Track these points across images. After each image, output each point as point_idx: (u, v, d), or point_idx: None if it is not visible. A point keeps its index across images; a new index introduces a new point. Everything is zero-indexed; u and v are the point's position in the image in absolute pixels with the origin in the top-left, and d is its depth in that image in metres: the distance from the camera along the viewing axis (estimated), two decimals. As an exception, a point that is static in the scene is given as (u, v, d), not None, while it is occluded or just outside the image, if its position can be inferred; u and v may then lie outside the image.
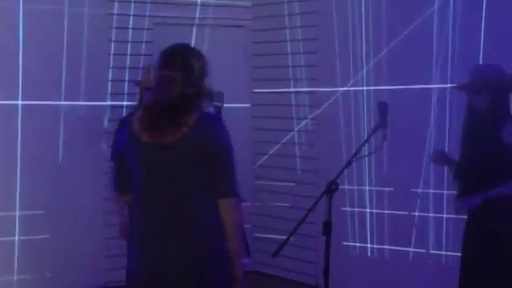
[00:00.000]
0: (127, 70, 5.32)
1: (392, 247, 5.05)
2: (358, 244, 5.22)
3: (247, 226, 4.32)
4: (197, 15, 5.55)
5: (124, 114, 4.86)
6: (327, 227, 3.26)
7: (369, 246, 5.18)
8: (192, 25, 5.54)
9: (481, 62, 4.36)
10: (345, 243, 5.23)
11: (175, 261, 2.77)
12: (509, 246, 3.71)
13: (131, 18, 5.34)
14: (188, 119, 2.77)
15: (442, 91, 4.69)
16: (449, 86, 4.27)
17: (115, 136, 4.56)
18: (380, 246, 5.12)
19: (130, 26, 5.33)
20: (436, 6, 4.74)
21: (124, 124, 4.57)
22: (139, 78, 4.86)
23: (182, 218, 2.79)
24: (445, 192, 4.67)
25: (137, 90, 4.76)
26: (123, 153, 2.92)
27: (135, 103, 4.55)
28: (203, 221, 2.80)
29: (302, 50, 5.54)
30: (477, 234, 3.80)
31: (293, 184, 5.61)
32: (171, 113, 2.77)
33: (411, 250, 4.93)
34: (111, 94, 5.30)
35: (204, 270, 2.78)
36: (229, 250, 2.84)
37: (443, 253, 4.76)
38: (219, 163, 2.80)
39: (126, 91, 5.25)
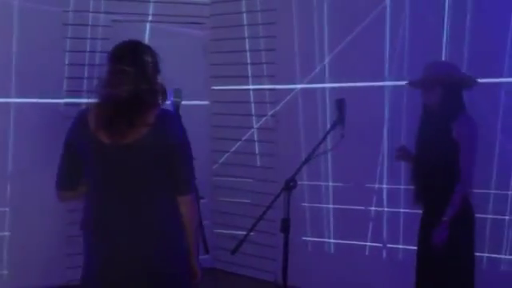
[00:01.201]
0: (84, 67, 5.26)
1: (349, 242, 5.10)
2: (316, 239, 5.26)
3: (206, 222, 4.31)
4: (155, 12, 5.52)
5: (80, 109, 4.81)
6: (285, 224, 3.28)
7: (326, 240, 5.23)
8: (150, 21, 5.51)
9: (437, 59, 4.42)
10: (303, 238, 5.26)
11: (134, 255, 2.77)
12: (458, 240, 3.78)
13: (89, 15, 5.29)
14: (145, 118, 2.75)
15: (397, 88, 4.75)
16: (403, 83, 4.32)
17: None
18: (337, 241, 5.17)
19: (89, 23, 5.27)
20: (388, 1, 4.81)
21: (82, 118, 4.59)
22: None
23: (141, 216, 2.79)
24: (401, 187, 4.74)
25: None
26: (74, 148, 2.85)
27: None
28: (163, 217, 2.81)
29: (260, 47, 5.55)
30: (429, 232, 3.85)
31: (252, 181, 5.62)
32: (126, 111, 2.74)
33: (368, 244, 4.99)
34: (67, 91, 5.24)
35: (162, 264, 2.79)
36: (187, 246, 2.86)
37: (400, 246, 4.83)
38: (177, 161, 2.81)
39: (83, 88, 5.19)
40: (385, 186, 4.90)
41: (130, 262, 2.77)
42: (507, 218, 4.40)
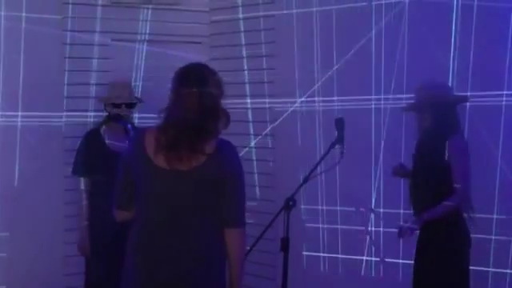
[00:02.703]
0: (85, 87, 5.26)
1: (350, 259, 5.09)
2: (314, 256, 5.25)
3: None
4: (154, 31, 5.54)
5: (88, 129, 4.80)
6: (285, 243, 3.28)
7: (326, 258, 5.22)
8: (149, 41, 5.52)
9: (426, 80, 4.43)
10: (304, 258, 5.25)
11: (173, 282, 2.75)
12: (449, 260, 3.79)
13: (86, 34, 5.30)
14: (205, 146, 2.72)
15: (396, 107, 4.76)
16: (397, 99, 4.36)
17: (81, 150, 4.56)
18: (337, 259, 5.16)
19: (86, 42, 5.29)
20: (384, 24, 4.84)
21: (92, 138, 4.61)
22: (105, 95, 4.85)
23: (188, 244, 2.76)
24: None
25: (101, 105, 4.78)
26: (129, 170, 2.82)
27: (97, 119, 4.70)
28: (210, 247, 2.78)
29: (259, 67, 5.57)
30: (423, 252, 3.88)
31: (250, 200, 5.61)
32: (189, 137, 2.70)
33: (364, 258, 4.98)
34: (66, 110, 5.24)
35: None
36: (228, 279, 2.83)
37: (400, 261, 4.81)
38: (232, 193, 2.78)
39: (85, 107, 5.18)
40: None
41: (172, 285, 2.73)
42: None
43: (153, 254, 2.77)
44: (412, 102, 3.98)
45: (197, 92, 2.74)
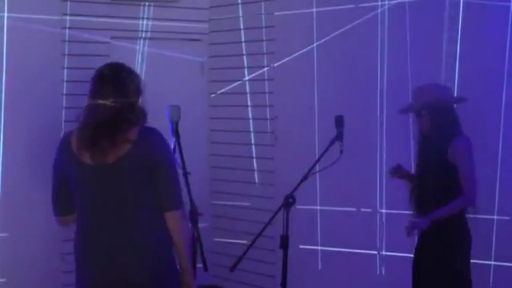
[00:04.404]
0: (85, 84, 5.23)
1: (350, 257, 5.09)
2: (315, 252, 5.25)
3: (204, 239, 4.28)
4: (153, 29, 5.54)
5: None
6: (284, 241, 3.28)
7: (327, 256, 5.22)
8: (148, 38, 5.52)
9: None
10: (300, 247, 5.24)
11: (122, 277, 2.75)
12: (453, 261, 3.78)
13: (86, 32, 5.30)
14: (127, 135, 2.75)
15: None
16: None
17: None
18: (337, 257, 5.16)
19: (84, 40, 5.28)
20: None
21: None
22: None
23: (127, 237, 2.77)
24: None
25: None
26: (62, 173, 2.87)
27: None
28: (150, 236, 2.78)
29: (259, 64, 5.57)
30: (425, 249, 3.87)
31: (250, 197, 5.61)
32: (107, 129, 2.75)
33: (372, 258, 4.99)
34: (66, 107, 5.23)
35: (154, 281, 2.76)
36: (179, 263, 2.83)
37: (398, 254, 4.81)
38: (162, 176, 2.79)
39: (81, 105, 5.17)
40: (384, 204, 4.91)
41: (119, 285, 2.74)
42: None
43: (92, 253, 2.79)
44: (410, 103, 3.96)
45: (111, 90, 2.81)
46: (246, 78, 5.64)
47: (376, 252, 4.91)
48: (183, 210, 2.86)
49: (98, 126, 2.76)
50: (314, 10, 5.21)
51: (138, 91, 2.88)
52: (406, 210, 4.09)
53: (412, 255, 3.99)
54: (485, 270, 4.37)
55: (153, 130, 2.86)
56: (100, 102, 2.79)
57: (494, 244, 4.37)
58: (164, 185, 2.79)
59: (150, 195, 2.79)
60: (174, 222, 2.80)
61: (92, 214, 2.80)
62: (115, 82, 2.83)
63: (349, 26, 4.99)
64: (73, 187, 2.84)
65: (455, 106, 3.98)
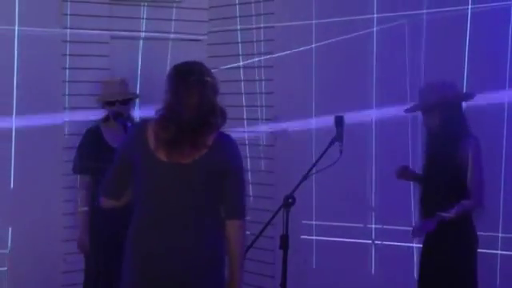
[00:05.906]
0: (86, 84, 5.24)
1: (349, 258, 5.10)
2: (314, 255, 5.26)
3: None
4: (153, 29, 5.54)
5: (89, 126, 4.78)
6: (284, 241, 3.29)
7: (326, 256, 5.22)
8: (148, 39, 5.52)
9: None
10: (303, 256, 5.26)
11: (172, 276, 2.77)
12: (461, 263, 3.78)
13: (86, 32, 5.30)
14: (206, 139, 2.78)
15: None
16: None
17: (81, 148, 4.56)
18: (337, 256, 5.17)
19: (85, 40, 5.29)
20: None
21: (91, 136, 4.61)
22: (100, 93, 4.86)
23: (185, 236, 2.78)
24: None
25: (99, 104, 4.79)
26: (127, 161, 2.84)
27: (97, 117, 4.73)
28: (206, 241, 2.80)
29: (257, 65, 5.57)
30: (433, 250, 3.86)
31: (250, 197, 5.62)
32: (190, 132, 2.76)
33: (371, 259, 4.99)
34: (67, 108, 5.23)
35: (198, 285, 2.78)
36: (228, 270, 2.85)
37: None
38: (232, 185, 2.83)
39: (85, 105, 5.16)
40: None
41: (162, 282, 2.75)
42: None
43: (149, 249, 2.79)
44: (418, 102, 3.95)
45: (196, 89, 2.80)
46: (242, 78, 5.63)
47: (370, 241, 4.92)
48: (245, 221, 2.88)
49: (181, 127, 2.76)
50: (314, 9, 5.23)
51: (217, 91, 2.89)
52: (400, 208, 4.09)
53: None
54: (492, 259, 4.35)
55: (229, 138, 2.89)
56: (183, 101, 2.78)
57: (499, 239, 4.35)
58: (232, 193, 2.83)
59: (215, 201, 2.82)
60: (235, 230, 2.83)
61: (155, 209, 2.81)
62: (199, 81, 2.81)
63: (348, 26, 5.01)
64: (138, 178, 2.83)
65: (464, 103, 3.96)
